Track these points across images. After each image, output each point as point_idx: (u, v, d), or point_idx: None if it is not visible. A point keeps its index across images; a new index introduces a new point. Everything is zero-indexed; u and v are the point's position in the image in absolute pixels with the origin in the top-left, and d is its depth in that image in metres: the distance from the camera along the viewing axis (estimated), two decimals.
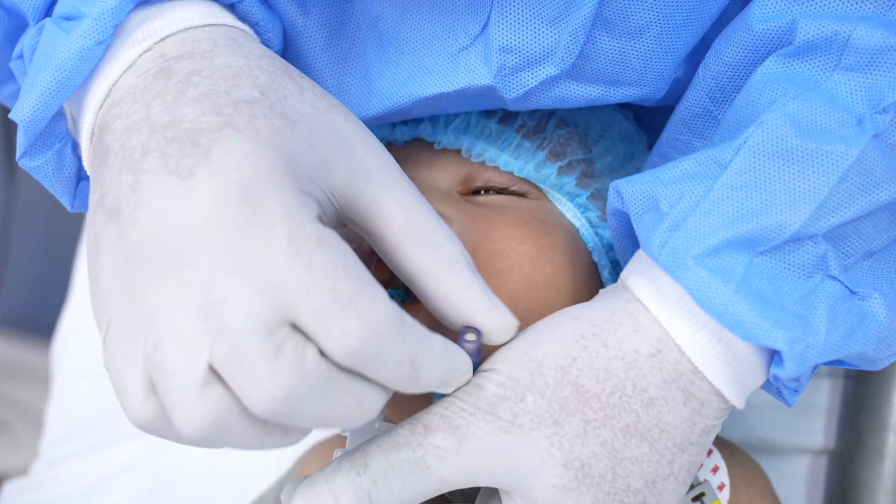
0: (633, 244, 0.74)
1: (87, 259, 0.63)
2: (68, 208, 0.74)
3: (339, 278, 0.57)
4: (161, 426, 0.60)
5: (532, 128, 0.85)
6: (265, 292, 0.57)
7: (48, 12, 0.70)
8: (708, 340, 0.68)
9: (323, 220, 0.62)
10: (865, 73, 0.68)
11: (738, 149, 0.68)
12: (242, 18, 0.74)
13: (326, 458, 0.86)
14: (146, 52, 0.67)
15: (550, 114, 0.87)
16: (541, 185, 0.84)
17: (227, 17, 0.71)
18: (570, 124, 0.87)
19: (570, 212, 0.84)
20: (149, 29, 0.68)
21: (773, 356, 0.68)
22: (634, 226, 0.71)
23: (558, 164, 0.84)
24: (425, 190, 0.82)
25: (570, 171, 0.85)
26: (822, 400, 0.99)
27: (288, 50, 0.80)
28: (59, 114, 0.70)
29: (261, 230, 0.58)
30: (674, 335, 0.68)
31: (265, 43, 0.76)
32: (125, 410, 0.60)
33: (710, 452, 0.82)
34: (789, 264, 0.67)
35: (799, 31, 0.70)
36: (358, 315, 0.57)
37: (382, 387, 0.61)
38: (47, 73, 0.66)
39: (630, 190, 0.72)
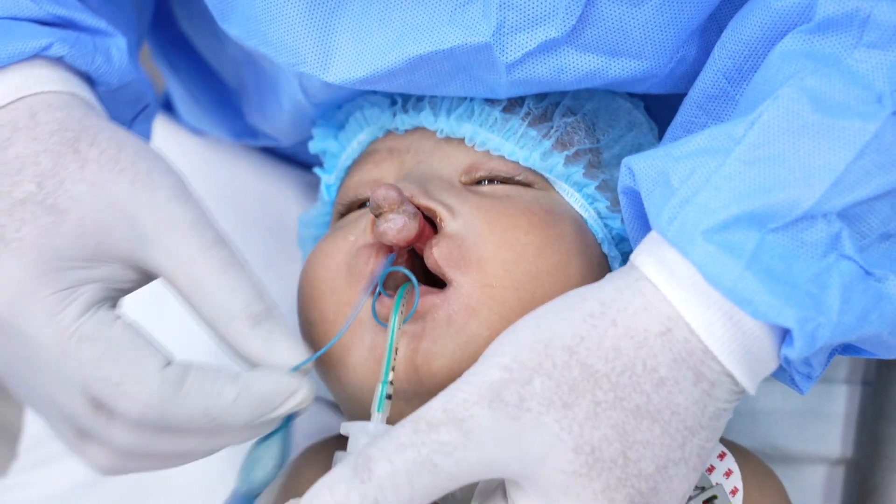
0: (646, 225, 0.72)
1: None
2: None
3: (105, 367, 0.67)
4: None
5: (538, 116, 0.83)
6: (63, 388, 0.68)
7: None
8: (718, 319, 0.66)
9: (115, 286, 0.71)
10: (887, 51, 0.67)
11: (753, 123, 0.67)
12: (75, 67, 0.76)
13: (322, 458, 0.83)
14: None
15: (557, 102, 0.85)
16: (547, 175, 0.82)
17: (40, 81, 0.74)
18: (577, 113, 0.85)
19: (578, 202, 0.82)
20: None
21: (785, 337, 0.66)
22: (644, 202, 0.69)
23: (565, 153, 0.82)
24: (428, 180, 0.80)
25: (578, 161, 0.83)
26: (840, 407, 0.97)
27: (265, 13, 0.79)
28: None
29: (32, 341, 0.68)
30: (683, 313, 0.66)
31: (101, 83, 0.79)
32: None
33: (722, 455, 0.79)
34: (802, 242, 0.66)
35: (819, 7, 0.69)
36: (128, 395, 0.67)
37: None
38: None
39: (641, 166, 0.70)
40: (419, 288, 0.75)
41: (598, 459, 0.64)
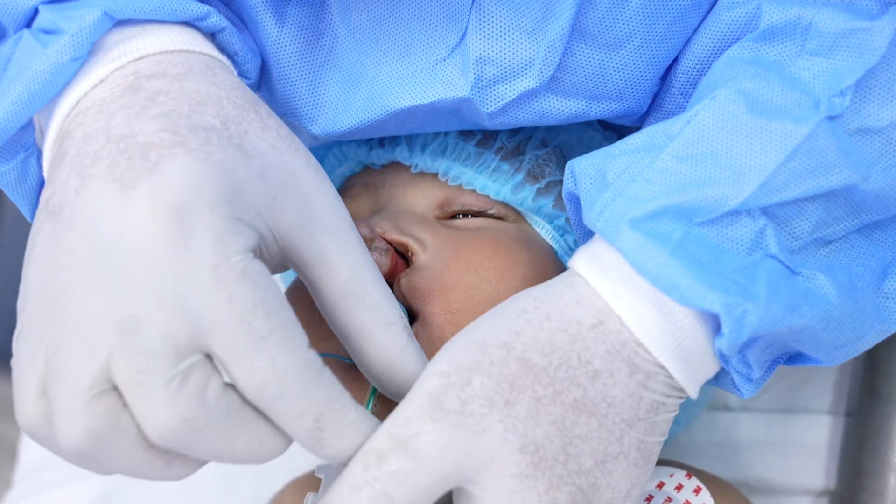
0: (590, 231, 0.73)
1: (25, 257, 0.63)
2: (28, 218, 0.74)
3: (257, 315, 0.58)
4: (45, 433, 0.60)
5: (511, 150, 0.84)
6: (182, 317, 0.58)
7: (28, 24, 0.71)
8: (648, 310, 0.66)
9: (261, 254, 0.63)
10: (828, 58, 0.67)
11: (689, 121, 0.68)
12: (222, 48, 0.74)
13: (301, 495, 0.84)
14: (119, 68, 0.68)
15: (530, 136, 0.85)
16: (519, 208, 0.82)
17: (206, 46, 0.71)
18: (549, 145, 0.85)
19: (549, 234, 0.82)
20: (126, 49, 0.68)
21: (719, 332, 0.66)
22: (581, 201, 0.70)
23: (536, 185, 0.83)
24: (401, 215, 0.80)
25: (548, 193, 0.83)
26: (822, 438, 0.96)
27: (263, 62, 0.80)
28: (29, 125, 0.70)
29: (188, 254, 0.58)
30: (613, 305, 0.66)
31: (242, 74, 0.76)
32: (16, 412, 0.60)
33: (698, 490, 0.79)
34: (727, 238, 0.66)
35: (763, 16, 0.70)
36: (267, 354, 0.58)
37: (285, 434, 0.61)
38: (20, 85, 0.67)
39: (581, 166, 0.71)
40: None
41: (542, 458, 0.64)
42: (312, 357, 0.60)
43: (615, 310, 0.66)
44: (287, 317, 0.60)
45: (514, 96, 0.76)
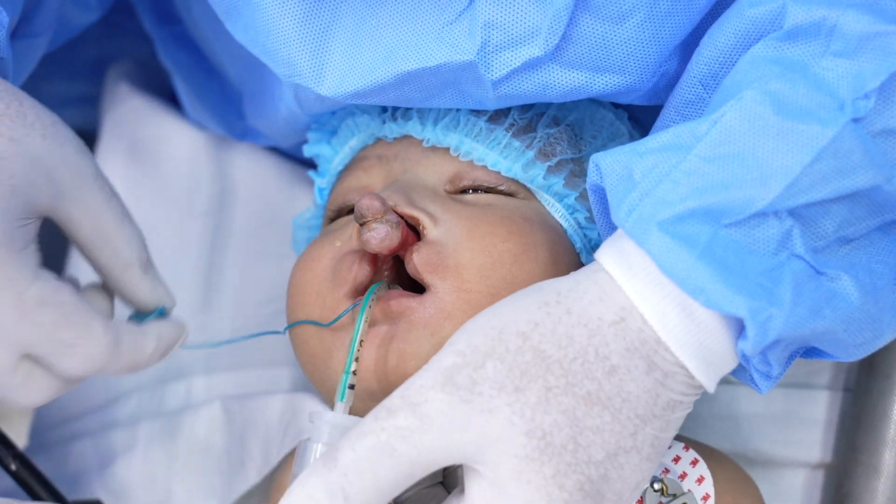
0: (613, 222, 0.74)
1: None
2: None
3: (62, 329, 0.71)
4: None
5: (523, 127, 0.85)
6: (5, 344, 0.70)
7: None
8: (672, 309, 0.67)
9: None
10: (853, 59, 0.68)
11: (716, 122, 0.68)
12: None
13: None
14: None
15: (542, 113, 0.86)
16: (529, 186, 0.83)
17: None
18: (560, 123, 0.86)
19: (559, 212, 0.84)
20: None
21: (741, 332, 0.67)
22: (608, 197, 0.71)
23: (547, 163, 0.83)
24: (413, 188, 0.82)
25: (559, 171, 0.84)
26: (821, 413, 0.97)
27: (264, 25, 0.80)
28: None
29: None
30: (637, 303, 0.68)
31: None
32: None
33: (695, 462, 0.80)
34: (754, 239, 0.67)
35: (788, 15, 0.71)
36: (81, 354, 0.72)
37: None
38: None
39: (607, 162, 0.72)
40: (395, 290, 0.78)
41: (549, 444, 0.66)
42: (110, 337, 0.73)
43: (638, 308, 0.67)
44: (84, 316, 0.72)
45: (518, 63, 0.77)
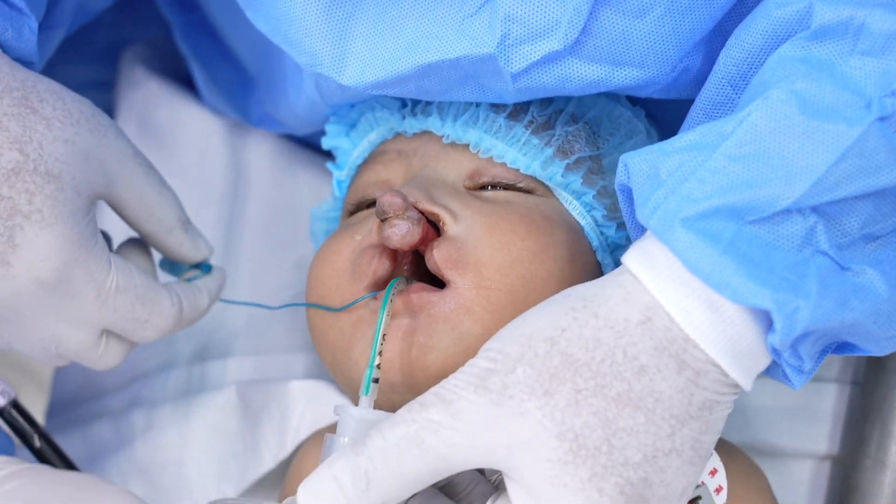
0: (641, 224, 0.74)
1: None
2: None
3: (136, 309, 0.80)
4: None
5: (542, 124, 0.85)
6: (86, 329, 0.80)
7: None
8: (698, 306, 0.67)
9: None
10: (881, 58, 0.68)
11: (741, 121, 0.69)
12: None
13: None
14: None
15: (561, 110, 0.87)
16: (547, 183, 0.84)
17: None
18: (579, 121, 0.86)
19: (576, 210, 0.84)
20: None
21: (770, 327, 0.67)
22: (634, 196, 0.71)
23: (565, 161, 0.84)
24: (433, 184, 0.82)
25: (577, 169, 0.85)
26: (829, 405, 0.98)
27: (286, 15, 0.81)
28: None
29: (76, 298, 0.78)
30: (663, 302, 0.68)
31: (19, 58, 0.80)
32: None
33: None
34: (778, 235, 0.67)
35: (815, 15, 0.71)
36: (152, 326, 0.82)
37: None
38: None
39: (635, 161, 0.72)
40: (416, 284, 0.79)
41: (581, 446, 0.66)
42: (176, 309, 0.83)
43: (664, 306, 0.68)
44: (154, 294, 0.82)
45: (538, 57, 0.77)
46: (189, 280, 0.88)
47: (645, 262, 0.69)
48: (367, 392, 0.75)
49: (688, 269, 0.67)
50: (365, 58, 0.81)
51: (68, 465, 0.90)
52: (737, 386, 0.69)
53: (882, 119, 0.66)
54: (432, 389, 0.69)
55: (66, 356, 0.82)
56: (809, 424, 0.98)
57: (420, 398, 0.69)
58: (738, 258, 0.66)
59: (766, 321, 0.68)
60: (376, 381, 0.76)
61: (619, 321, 0.68)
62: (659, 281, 0.68)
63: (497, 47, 0.77)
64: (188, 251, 0.87)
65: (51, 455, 0.90)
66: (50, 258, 0.75)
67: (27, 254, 0.75)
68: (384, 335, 0.76)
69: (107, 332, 0.82)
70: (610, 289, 0.70)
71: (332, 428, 0.91)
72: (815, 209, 0.68)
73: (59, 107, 0.77)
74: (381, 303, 0.77)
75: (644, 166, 0.72)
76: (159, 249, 0.87)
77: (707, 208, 0.67)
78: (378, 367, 0.76)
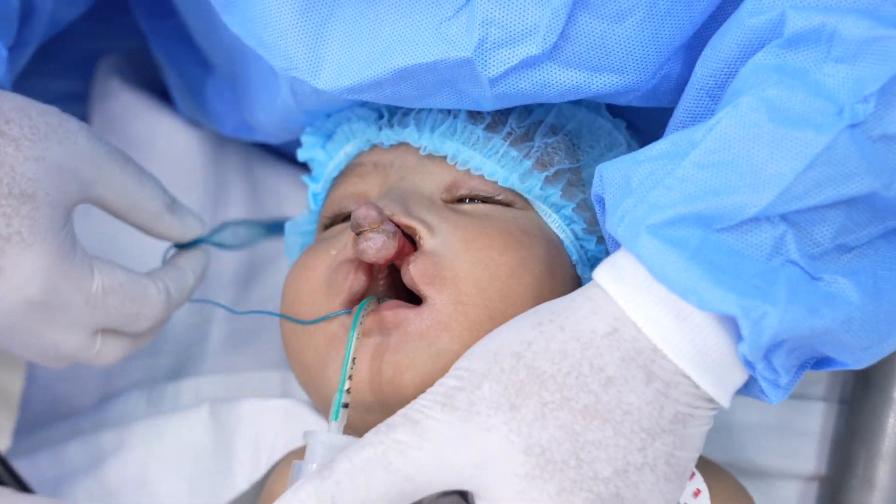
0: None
1: None
2: None
3: (127, 306, 0.81)
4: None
5: (521, 135, 0.84)
6: (81, 333, 0.81)
7: None
8: (665, 316, 0.66)
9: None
10: (853, 65, 0.68)
11: (711, 128, 0.68)
12: None
13: None
14: None
15: (540, 121, 0.85)
16: (526, 196, 0.83)
17: None
18: (558, 132, 0.85)
19: (556, 223, 0.83)
20: None
21: (741, 337, 0.66)
22: (606, 206, 0.71)
23: (545, 173, 0.83)
24: (410, 197, 0.81)
25: (557, 181, 0.83)
26: (815, 424, 0.97)
27: (261, 17, 0.81)
28: None
29: (66, 308, 0.78)
30: (630, 312, 0.67)
31: None
32: None
33: (692, 476, 0.80)
34: (747, 243, 0.67)
35: (788, 23, 0.70)
36: (145, 317, 0.83)
37: None
38: None
39: (608, 171, 0.72)
40: (391, 301, 0.78)
41: (549, 461, 0.65)
42: (162, 297, 0.84)
43: (631, 316, 0.67)
44: (142, 288, 0.83)
45: (516, 61, 0.76)
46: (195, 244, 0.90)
47: (613, 273, 0.68)
48: (336, 417, 0.74)
49: (653, 277, 0.66)
50: (340, 61, 0.80)
51: (23, 488, 0.90)
52: (711, 400, 0.68)
53: (853, 126, 0.66)
54: (400, 411, 0.68)
55: (66, 359, 0.84)
56: (796, 444, 0.97)
57: (388, 420, 0.68)
58: (705, 265, 0.65)
59: (737, 331, 0.66)
60: (346, 406, 0.74)
61: (585, 333, 0.67)
62: (626, 291, 0.67)
63: (475, 51, 0.76)
64: (178, 232, 0.88)
65: (7, 478, 0.90)
66: (35, 277, 0.76)
67: (12, 277, 0.75)
68: (354, 358, 0.75)
69: (102, 331, 0.83)
70: (579, 302, 0.69)
71: (304, 450, 0.90)
72: (784, 218, 0.67)
73: (26, 124, 0.78)
74: (351, 322, 0.75)
75: (616, 176, 0.71)
76: (152, 236, 0.88)
77: (673, 215, 0.66)
78: (348, 391, 0.74)
